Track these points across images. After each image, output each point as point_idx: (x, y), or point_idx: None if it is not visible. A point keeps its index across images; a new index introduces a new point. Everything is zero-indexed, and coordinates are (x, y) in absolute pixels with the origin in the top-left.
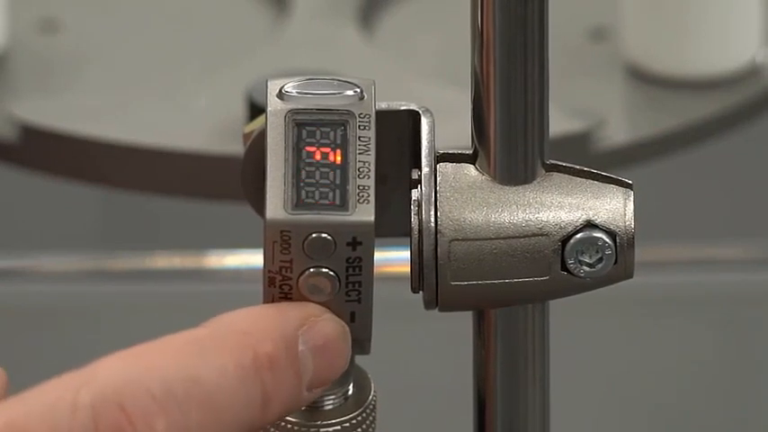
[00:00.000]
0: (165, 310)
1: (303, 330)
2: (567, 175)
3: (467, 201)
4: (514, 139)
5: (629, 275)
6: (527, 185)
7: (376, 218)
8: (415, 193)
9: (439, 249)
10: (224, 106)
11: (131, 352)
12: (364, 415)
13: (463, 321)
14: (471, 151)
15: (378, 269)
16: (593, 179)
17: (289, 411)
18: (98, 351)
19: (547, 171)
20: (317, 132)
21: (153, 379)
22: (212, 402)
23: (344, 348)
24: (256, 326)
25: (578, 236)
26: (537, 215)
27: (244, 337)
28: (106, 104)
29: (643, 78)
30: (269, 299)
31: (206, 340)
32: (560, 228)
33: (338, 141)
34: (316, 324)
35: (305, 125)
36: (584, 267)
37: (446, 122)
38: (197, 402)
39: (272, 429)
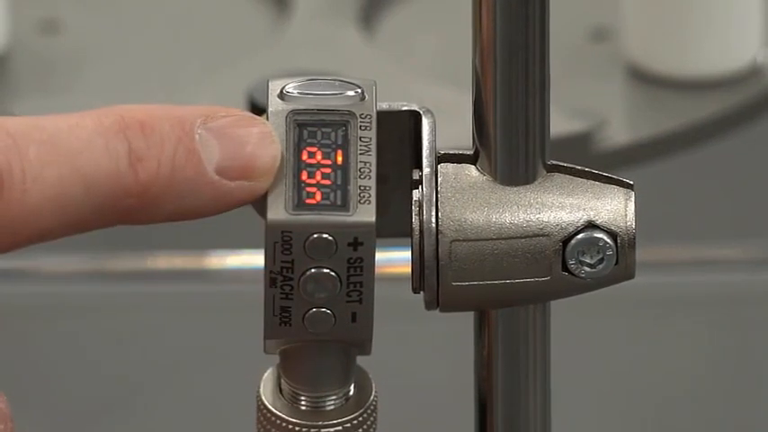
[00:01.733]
0: (165, 311)
1: (206, 118)
2: (567, 176)
3: (468, 201)
4: (515, 139)
5: (630, 276)
6: (528, 186)
7: (377, 218)
8: (416, 194)
9: (440, 250)
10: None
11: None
12: (365, 415)
13: (464, 322)
14: (472, 152)
15: (379, 269)
16: (594, 179)
17: (190, 187)
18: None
19: (548, 171)
20: (318, 133)
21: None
22: (56, 142)
23: (264, 142)
24: (140, 106)
25: (579, 236)
26: (538, 215)
27: (116, 109)
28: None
29: (643, 78)
30: (270, 299)
31: (75, 113)
32: (561, 228)
33: (339, 142)
34: (225, 115)
35: (306, 125)
36: (585, 268)
37: (447, 123)
38: (37, 140)
39: (272, 429)
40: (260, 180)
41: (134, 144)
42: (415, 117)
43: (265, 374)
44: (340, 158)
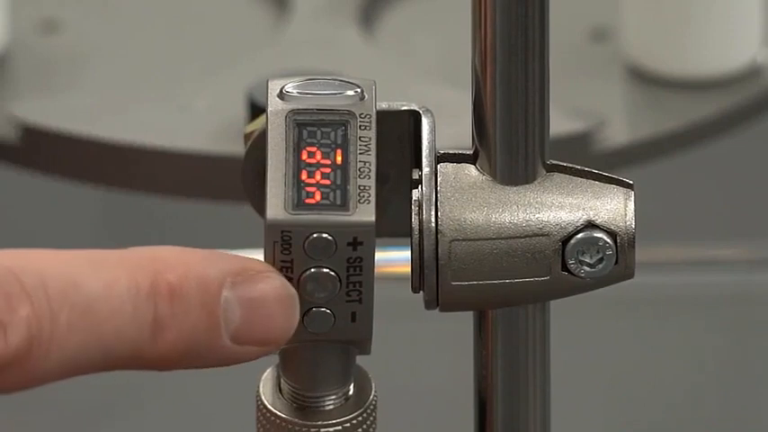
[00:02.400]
0: None
1: (235, 279)
2: (567, 176)
3: (467, 201)
4: (515, 139)
5: (629, 276)
6: (528, 185)
7: (377, 218)
8: (415, 193)
9: (439, 249)
10: (224, 106)
11: (22, 250)
12: (365, 415)
13: (464, 321)
14: (472, 151)
15: (378, 269)
16: (594, 179)
17: (200, 355)
18: None
19: (547, 171)
20: (318, 132)
21: (28, 272)
22: (88, 307)
23: (286, 312)
24: (172, 257)
25: (579, 236)
26: (537, 215)
27: (150, 262)
28: (106, 105)
29: (643, 78)
30: None
31: (106, 257)
32: (561, 228)
33: (339, 141)
34: (253, 277)
35: (306, 125)
36: (585, 267)
37: (447, 122)
38: (71, 303)
39: (272, 429)
40: (270, 348)
41: (160, 312)
42: (414, 117)
43: (265, 374)
44: (339, 158)
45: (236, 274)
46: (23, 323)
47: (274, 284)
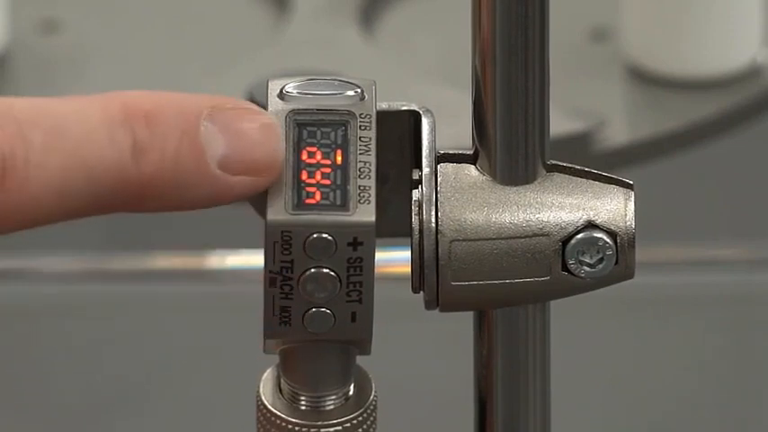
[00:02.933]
0: (165, 310)
1: (213, 111)
2: (567, 176)
3: (467, 201)
4: (515, 139)
5: (629, 276)
6: (528, 186)
7: (377, 218)
8: (415, 194)
9: (439, 249)
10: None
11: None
12: (365, 415)
13: (464, 322)
14: (472, 151)
15: (378, 269)
16: (594, 179)
17: (190, 180)
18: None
19: (547, 171)
20: (318, 132)
21: (4, 104)
22: (61, 129)
23: (268, 136)
24: (146, 93)
25: (579, 236)
26: (538, 215)
27: (122, 95)
28: None
29: (643, 78)
30: (270, 299)
31: (81, 96)
32: (561, 228)
33: (339, 141)
34: (231, 109)
35: (306, 125)
36: (585, 268)
37: (447, 122)
38: (42, 126)
39: (272, 429)
40: (262, 176)
41: (138, 135)
42: (414, 117)
43: (265, 374)
44: (340, 158)
45: (212, 106)
46: None
47: (254, 115)
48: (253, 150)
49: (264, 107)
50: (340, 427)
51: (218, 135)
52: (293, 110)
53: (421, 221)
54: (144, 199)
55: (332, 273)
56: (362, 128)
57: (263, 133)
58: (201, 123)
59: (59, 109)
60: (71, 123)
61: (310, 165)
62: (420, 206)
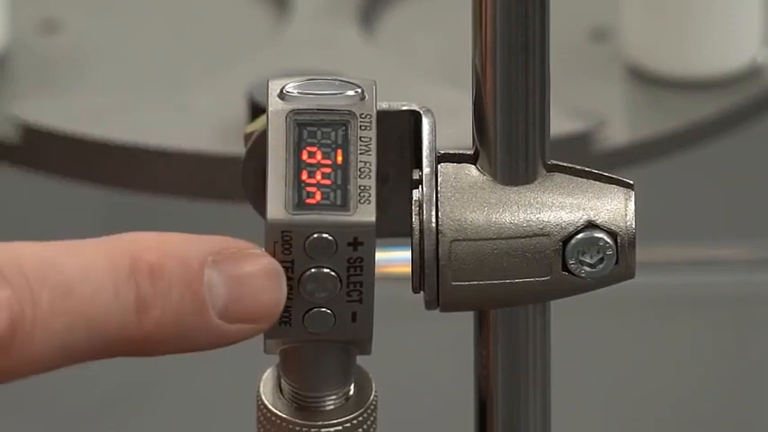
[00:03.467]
0: None
1: (217, 257)
2: (567, 176)
3: (468, 201)
4: (515, 139)
5: (630, 276)
6: (528, 186)
7: (377, 218)
8: (416, 194)
9: (440, 249)
10: (225, 106)
11: (8, 242)
12: (365, 415)
13: (464, 322)
14: (472, 151)
15: (379, 269)
16: (594, 179)
17: (190, 334)
18: None
19: (548, 171)
20: (318, 132)
21: (6, 256)
22: (69, 288)
23: (271, 287)
24: (152, 239)
25: (579, 236)
26: (538, 215)
27: (128, 244)
28: (107, 105)
29: (643, 78)
30: None
31: (86, 243)
32: (561, 228)
33: (339, 141)
34: (236, 255)
35: (306, 125)
36: (586, 267)
37: (447, 122)
38: (51, 284)
39: (272, 429)
40: (262, 323)
41: (142, 291)
42: (415, 117)
43: (265, 374)
44: (340, 158)
45: (216, 252)
46: (4, 305)
47: (257, 259)
48: (254, 300)
49: (265, 107)
50: (340, 427)
51: (221, 284)
52: (293, 110)
53: (421, 221)
54: (144, 349)
55: (332, 273)
56: (363, 128)
57: (266, 280)
58: (205, 273)
59: (67, 263)
60: (78, 281)
61: (311, 165)
62: (420, 206)
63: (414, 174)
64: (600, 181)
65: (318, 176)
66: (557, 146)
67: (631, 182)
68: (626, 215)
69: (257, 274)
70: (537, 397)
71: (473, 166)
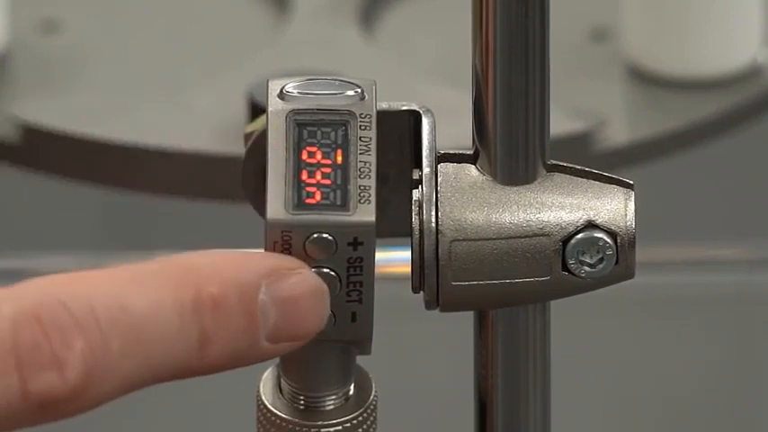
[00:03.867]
0: None
1: (269, 280)
2: (567, 176)
3: (468, 201)
4: (515, 139)
5: (630, 276)
6: (528, 186)
7: (377, 218)
8: (415, 194)
9: (440, 249)
10: (225, 106)
11: (67, 275)
12: (365, 415)
13: (464, 322)
14: (472, 151)
15: (379, 269)
16: (594, 179)
17: (240, 359)
18: None
19: (548, 171)
20: (318, 132)
21: (77, 299)
22: (138, 332)
23: (317, 306)
24: (209, 266)
25: (579, 236)
26: (538, 215)
27: (189, 275)
28: (107, 105)
29: (643, 78)
30: None
31: (149, 274)
32: (561, 228)
33: (339, 141)
34: (286, 275)
35: (306, 125)
36: (585, 267)
37: (447, 122)
38: (121, 329)
39: (272, 429)
40: (303, 341)
41: (205, 325)
42: (414, 117)
43: (265, 374)
44: (340, 158)
45: (269, 274)
46: (79, 358)
47: (306, 280)
48: (301, 321)
49: (265, 107)
50: (340, 427)
51: (272, 308)
52: (293, 110)
53: (421, 221)
54: (197, 375)
55: (332, 273)
56: (363, 128)
57: (313, 301)
58: (259, 298)
59: (136, 302)
60: (147, 322)
61: (310, 164)
62: (420, 206)
63: (413, 174)
64: (600, 181)
65: (318, 176)
66: (557, 146)
67: (631, 182)
68: (626, 215)
69: (305, 295)
70: (537, 397)
71: (473, 166)
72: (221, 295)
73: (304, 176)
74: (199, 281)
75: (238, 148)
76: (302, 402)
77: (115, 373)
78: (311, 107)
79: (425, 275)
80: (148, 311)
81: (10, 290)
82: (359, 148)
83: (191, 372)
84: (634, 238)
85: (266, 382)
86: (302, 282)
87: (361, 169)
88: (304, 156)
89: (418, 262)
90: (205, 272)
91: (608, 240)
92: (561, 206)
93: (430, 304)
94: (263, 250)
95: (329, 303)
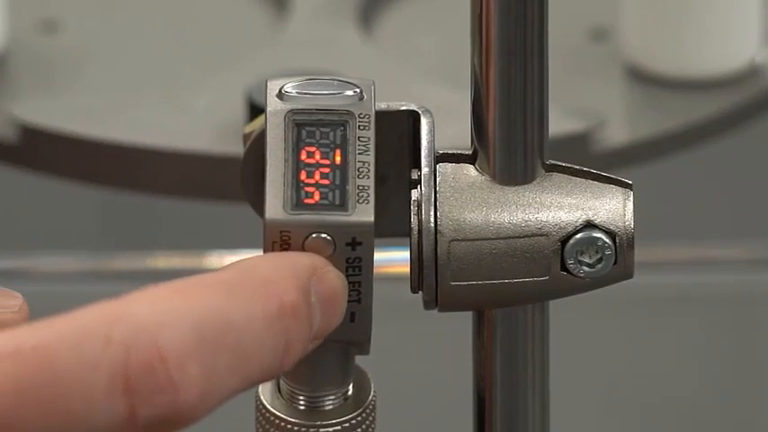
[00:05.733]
0: None
1: (313, 281)
2: (566, 176)
3: (466, 201)
4: (514, 139)
5: (628, 276)
6: (527, 186)
7: (375, 218)
8: (414, 194)
9: (438, 249)
10: (224, 106)
11: (166, 288)
12: (364, 415)
13: (463, 322)
14: (471, 151)
15: (377, 269)
16: (593, 179)
17: (295, 357)
18: None
19: (546, 171)
20: (317, 132)
21: (187, 320)
22: (241, 348)
23: (345, 302)
24: (277, 273)
25: (578, 236)
26: (536, 215)
27: (269, 285)
28: (106, 105)
29: (643, 78)
30: None
31: (235, 284)
32: (560, 228)
33: (338, 141)
34: (324, 275)
35: (304, 125)
36: (584, 267)
37: (446, 123)
38: (228, 347)
39: (271, 429)
40: (323, 339)
41: (290, 335)
42: (413, 117)
43: None
44: (338, 158)
45: (311, 276)
46: (194, 383)
47: (339, 278)
48: (333, 317)
49: (263, 107)
50: (339, 427)
51: (319, 313)
52: (292, 110)
53: (420, 221)
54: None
55: None
56: (361, 128)
57: (344, 299)
58: (312, 298)
59: (236, 319)
60: (247, 338)
61: (309, 164)
62: (419, 206)
63: (412, 174)
64: (598, 181)
65: (317, 176)
66: (556, 146)
67: (630, 182)
68: (624, 215)
69: (339, 293)
70: (536, 397)
71: (472, 166)
72: (298, 302)
73: (303, 176)
74: (278, 290)
75: (237, 149)
76: (301, 402)
77: (223, 390)
78: (310, 107)
79: (424, 275)
80: (246, 325)
81: (117, 306)
82: (357, 148)
83: (272, 377)
84: (633, 238)
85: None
86: (336, 279)
87: (360, 169)
88: (303, 156)
89: (417, 262)
90: (280, 281)
91: (607, 240)
92: (560, 206)
93: (429, 304)
94: (261, 251)
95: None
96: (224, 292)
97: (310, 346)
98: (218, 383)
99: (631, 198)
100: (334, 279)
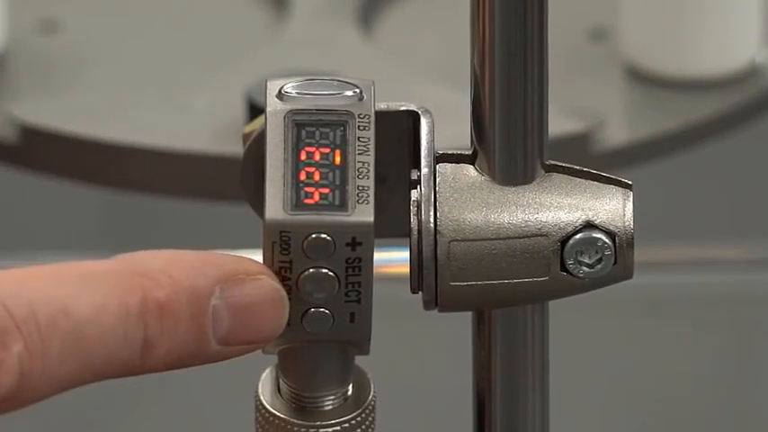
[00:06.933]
0: None
1: (224, 285)
2: (566, 176)
3: (466, 201)
4: (514, 139)
5: (628, 276)
6: (526, 186)
7: (375, 218)
8: (414, 194)
9: (438, 250)
10: (224, 107)
11: (11, 273)
12: (364, 415)
13: (463, 322)
14: (471, 152)
15: (377, 269)
16: (593, 179)
17: (187, 361)
18: None
19: (546, 171)
20: (317, 133)
21: (19, 302)
22: (79, 335)
23: (274, 313)
24: (162, 270)
25: (577, 236)
26: (536, 215)
27: (138, 278)
28: (106, 105)
29: (643, 78)
30: None
31: (98, 275)
32: (560, 228)
33: (338, 142)
34: (243, 282)
35: (304, 125)
36: (584, 268)
37: (445, 123)
38: (62, 333)
39: (271, 429)
40: (260, 345)
41: (150, 331)
42: (413, 117)
43: (264, 374)
44: (338, 158)
45: (225, 279)
46: (15, 360)
47: (264, 287)
48: (256, 327)
49: (263, 107)
50: (339, 428)
51: (225, 314)
52: (292, 110)
53: (420, 222)
54: (139, 374)
55: (330, 273)
56: (361, 128)
57: (270, 308)
58: (211, 304)
59: (79, 306)
60: (88, 326)
61: (309, 165)
62: (419, 206)
63: (412, 174)
64: (598, 181)
65: (317, 177)
66: (555, 146)
67: (629, 182)
68: (624, 215)
69: (262, 302)
70: (535, 397)
71: (471, 166)
72: (169, 300)
73: (302, 177)
74: (147, 285)
75: (237, 149)
76: (301, 402)
77: (52, 375)
78: (310, 107)
79: (424, 276)
80: (91, 316)
81: None
82: (357, 148)
83: (132, 372)
84: (632, 239)
85: (265, 382)
86: (259, 288)
87: (360, 169)
88: (302, 156)
89: (417, 262)
90: (156, 276)
91: (606, 240)
92: (560, 206)
93: (428, 304)
94: (261, 251)
95: (287, 311)
96: (77, 280)
97: (220, 348)
98: (47, 368)
99: (631, 198)
100: (255, 287)
